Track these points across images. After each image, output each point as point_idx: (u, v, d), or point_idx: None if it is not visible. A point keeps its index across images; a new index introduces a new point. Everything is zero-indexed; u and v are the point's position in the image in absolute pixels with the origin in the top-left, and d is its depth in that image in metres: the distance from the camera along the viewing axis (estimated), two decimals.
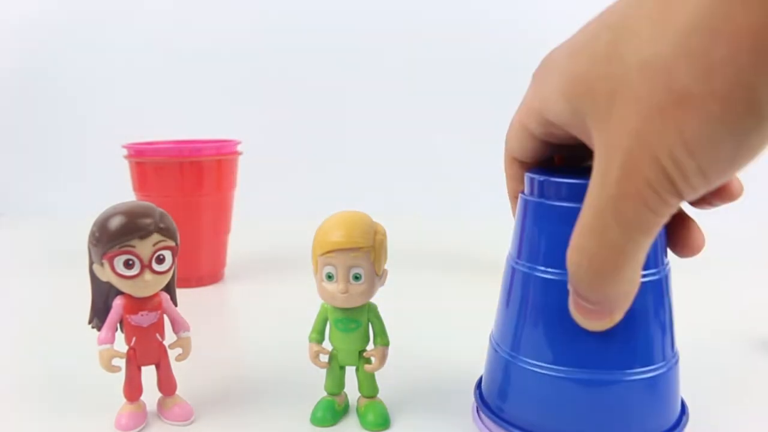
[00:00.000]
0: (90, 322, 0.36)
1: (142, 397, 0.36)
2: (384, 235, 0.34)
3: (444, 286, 0.64)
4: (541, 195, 0.31)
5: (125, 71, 1.04)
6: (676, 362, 0.31)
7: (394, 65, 1.02)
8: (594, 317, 0.28)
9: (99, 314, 0.36)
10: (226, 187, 0.63)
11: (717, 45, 0.20)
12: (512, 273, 0.32)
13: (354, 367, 0.36)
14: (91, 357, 0.35)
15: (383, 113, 1.02)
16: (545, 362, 0.30)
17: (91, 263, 0.34)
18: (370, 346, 0.36)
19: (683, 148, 0.21)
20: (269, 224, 0.91)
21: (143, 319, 0.35)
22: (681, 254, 0.31)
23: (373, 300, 0.35)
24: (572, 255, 0.26)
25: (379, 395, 0.37)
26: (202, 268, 0.63)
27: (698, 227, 0.31)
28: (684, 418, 0.32)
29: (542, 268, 0.30)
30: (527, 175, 0.32)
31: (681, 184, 0.22)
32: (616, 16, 0.24)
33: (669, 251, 0.32)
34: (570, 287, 0.28)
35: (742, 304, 0.57)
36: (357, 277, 0.33)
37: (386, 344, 0.35)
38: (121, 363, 0.35)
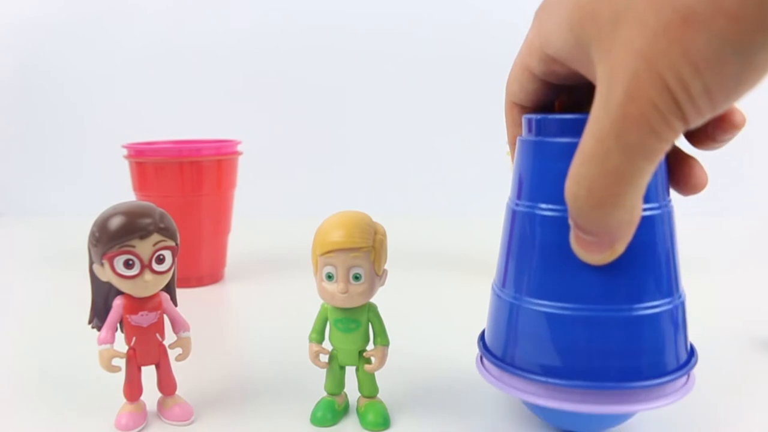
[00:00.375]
0: (90, 322, 0.36)
1: (142, 397, 0.36)
2: (384, 235, 0.34)
3: (444, 285, 0.64)
4: (539, 133, 0.30)
5: (125, 71, 1.04)
6: (683, 303, 0.31)
7: (394, 65, 1.02)
8: (595, 249, 0.28)
9: (99, 314, 0.36)
10: (226, 187, 0.63)
11: None
12: (512, 215, 0.32)
13: (354, 367, 0.36)
14: (91, 357, 0.35)
15: (383, 113, 1.03)
16: (550, 301, 0.30)
17: (91, 263, 0.34)
18: (370, 346, 0.36)
19: (689, 67, 0.21)
20: (269, 224, 0.91)
21: (143, 319, 0.35)
22: (684, 192, 0.31)
23: (373, 300, 0.35)
24: (571, 185, 0.26)
25: (379, 395, 0.37)
26: (202, 268, 0.63)
27: (700, 165, 0.31)
28: (693, 359, 0.32)
29: (544, 206, 0.30)
30: (525, 117, 0.32)
31: (686, 105, 0.22)
32: None
33: (672, 192, 0.31)
34: (570, 221, 0.28)
35: (742, 304, 0.57)
36: (357, 277, 0.33)
37: (386, 344, 0.35)
38: (121, 363, 0.35)
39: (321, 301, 0.35)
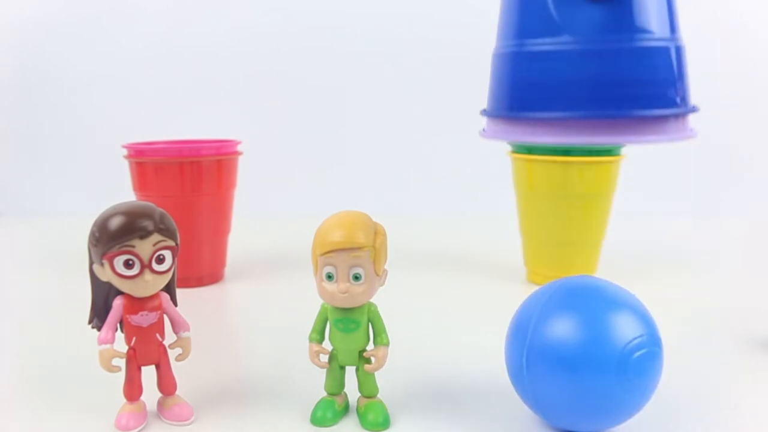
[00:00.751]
0: (90, 322, 0.36)
1: (142, 397, 0.36)
2: (384, 235, 0.34)
3: (444, 285, 0.64)
4: None
5: (125, 71, 1.04)
6: (681, 48, 0.31)
7: (395, 65, 1.02)
8: None
9: (99, 314, 0.36)
10: (226, 187, 0.63)
11: None
12: None
13: (354, 367, 0.36)
14: (91, 357, 0.35)
15: (383, 113, 1.02)
16: (553, 37, 0.30)
17: (91, 263, 0.34)
18: (370, 346, 0.36)
19: None
20: (269, 224, 0.91)
21: (143, 319, 0.35)
22: None
23: (373, 300, 0.35)
24: None
25: (379, 395, 0.37)
26: (202, 268, 0.63)
27: None
28: (695, 107, 0.31)
29: None
30: None
31: None
32: None
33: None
34: None
35: (742, 304, 0.57)
36: (357, 277, 0.33)
37: (386, 344, 0.35)
38: (121, 363, 0.35)
39: (321, 301, 0.35)
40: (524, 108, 0.31)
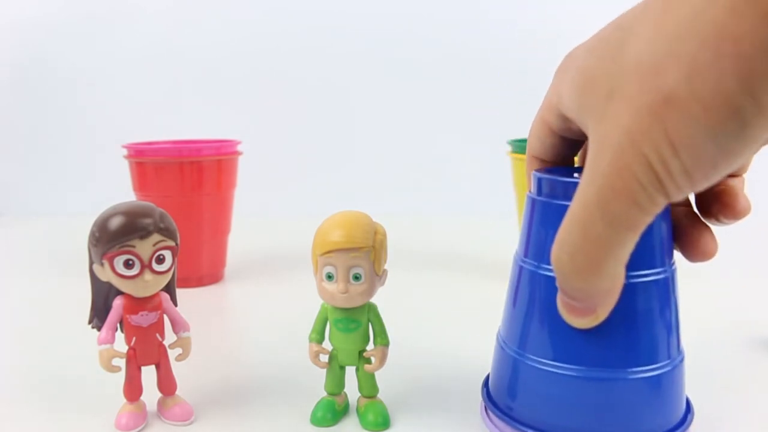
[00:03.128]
0: (90, 322, 0.36)
1: (142, 397, 0.36)
2: (384, 235, 0.34)
3: (444, 285, 0.64)
4: (548, 195, 0.31)
5: (125, 71, 1.04)
6: (681, 361, 0.32)
7: (395, 65, 1.02)
8: (578, 313, 0.28)
9: (99, 314, 0.36)
10: (226, 187, 0.64)
11: (702, 49, 0.20)
12: (519, 271, 0.33)
13: (354, 367, 0.36)
14: (91, 357, 0.35)
15: (384, 113, 1.03)
16: (551, 360, 0.30)
17: (91, 263, 0.34)
18: (370, 346, 0.36)
19: (669, 147, 0.22)
20: (269, 224, 0.91)
21: (143, 319, 0.35)
22: (692, 258, 0.31)
23: (373, 300, 0.35)
24: (556, 249, 0.27)
25: (379, 395, 0.37)
26: (202, 268, 0.63)
27: (711, 233, 0.31)
28: (689, 417, 0.32)
29: (547, 266, 0.30)
30: (534, 174, 0.32)
31: (667, 182, 0.23)
32: (628, 18, 0.25)
33: (678, 255, 0.32)
34: (557, 284, 0.28)
35: (742, 304, 0.57)
36: (357, 277, 0.33)
37: (386, 344, 0.35)
38: (121, 363, 0.35)
39: (321, 301, 0.35)
40: (516, 419, 0.32)
